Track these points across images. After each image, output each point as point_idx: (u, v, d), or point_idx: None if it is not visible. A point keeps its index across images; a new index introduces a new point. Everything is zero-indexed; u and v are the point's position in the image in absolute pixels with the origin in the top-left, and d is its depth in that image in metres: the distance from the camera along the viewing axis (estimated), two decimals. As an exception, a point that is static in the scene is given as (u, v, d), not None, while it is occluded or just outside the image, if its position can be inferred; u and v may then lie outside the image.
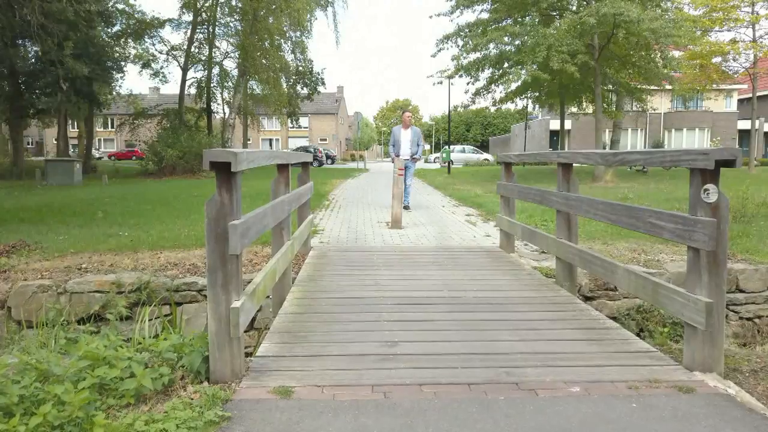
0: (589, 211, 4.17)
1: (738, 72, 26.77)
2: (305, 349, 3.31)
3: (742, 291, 6.63)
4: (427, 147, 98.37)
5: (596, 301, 6.14)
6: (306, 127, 70.61)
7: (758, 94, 27.56)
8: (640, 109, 38.31)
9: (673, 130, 49.43)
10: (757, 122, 25.89)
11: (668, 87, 22.15)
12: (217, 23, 31.30)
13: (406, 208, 10.90)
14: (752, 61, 24.81)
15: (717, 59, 25.66)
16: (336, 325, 3.79)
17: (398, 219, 8.78)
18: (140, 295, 5.70)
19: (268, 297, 4.82)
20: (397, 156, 10.64)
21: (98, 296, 5.69)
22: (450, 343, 3.43)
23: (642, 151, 3.50)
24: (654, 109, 34.47)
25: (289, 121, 44.26)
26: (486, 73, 22.23)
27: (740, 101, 51.36)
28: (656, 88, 25.02)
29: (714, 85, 25.91)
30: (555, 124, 48.56)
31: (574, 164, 4.89)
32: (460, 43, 20.99)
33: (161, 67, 31.63)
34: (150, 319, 5.64)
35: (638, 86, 23.61)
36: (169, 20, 30.84)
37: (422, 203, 13.10)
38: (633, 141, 48.04)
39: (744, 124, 49.80)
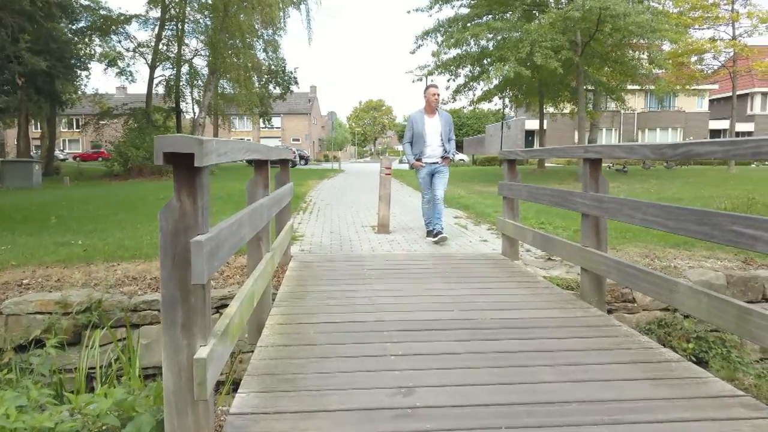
0: (633, 216, 3.46)
1: (715, 69, 26.64)
2: (294, 402, 2.52)
3: (770, 300, 6.03)
4: (401, 147, 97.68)
5: (613, 314, 5.48)
6: (279, 128, 69.42)
7: (730, 94, 27.54)
8: (615, 109, 38.26)
9: (647, 130, 49.67)
10: (727, 122, 25.87)
11: (651, 87, 21.82)
12: (186, 20, 30.16)
13: (437, 235, 7.15)
14: (732, 59, 24.66)
15: (694, 58, 25.52)
16: (330, 362, 3.00)
17: (386, 222, 8.01)
18: (90, 316, 4.83)
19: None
20: (418, 160, 7.19)
21: (40, 318, 4.82)
22: (481, 388, 2.67)
23: (717, 141, 2.79)
24: (630, 109, 34.29)
25: (261, 121, 43.25)
26: (465, 71, 21.65)
27: (711, 101, 51.92)
28: (636, 87, 24.75)
29: (695, 85, 25.75)
30: (530, 124, 48.38)
31: (602, 162, 4.20)
32: (440, 39, 20.35)
33: (127, 65, 30.31)
34: (102, 345, 4.80)
35: (618, 85, 23.29)
36: (136, 16, 29.59)
37: (406, 205, 12.35)
38: (608, 140, 48.11)
39: (715, 124, 50.38)
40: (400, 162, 52.22)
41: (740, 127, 45.78)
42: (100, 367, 4.52)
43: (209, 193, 2.16)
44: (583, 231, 4.34)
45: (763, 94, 49.85)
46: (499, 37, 19.73)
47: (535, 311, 4.02)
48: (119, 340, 4.83)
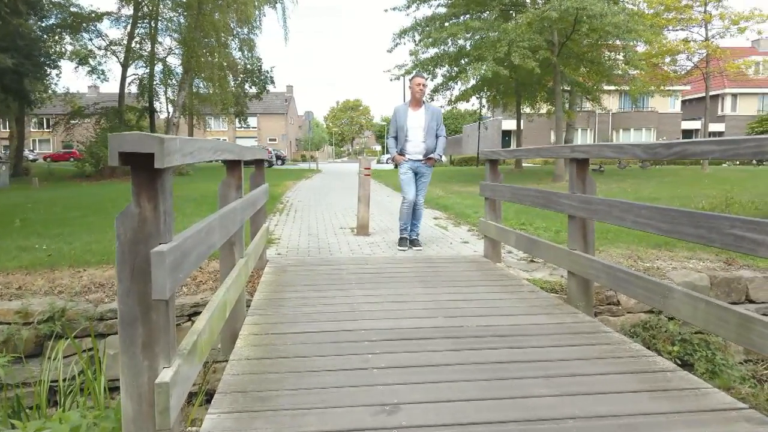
0: (624, 218, 3.32)
1: (688, 70, 26.96)
2: (270, 424, 2.30)
3: (752, 302, 5.98)
4: (378, 147, 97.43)
5: (598, 317, 5.37)
6: (255, 127, 68.76)
7: (701, 95, 27.92)
8: (590, 109, 38.61)
9: (621, 130, 50.20)
10: (699, 122, 26.24)
11: (626, 88, 21.98)
12: (159, 18, 29.59)
13: (414, 243, 6.87)
14: (705, 60, 24.97)
15: (668, 59, 25.79)
16: (309, 377, 2.80)
17: (365, 224, 7.82)
18: (53, 326, 4.56)
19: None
20: (402, 154, 6.65)
21: (-2, 329, 4.53)
22: (471, 404, 2.49)
23: (715, 141, 2.66)
24: (604, 109, 34.61)
25: (237, 121, 42.69)
26: (443, 70, 21.58)
27: (683, 102, 52.70)
28: (612, 88, 24.93)
29: (670, 85, 26.04)
30: (507, 125, 48.57)
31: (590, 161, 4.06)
32: (418, 38, 20.24)
33: (99, 64, 29.58)
34: (65, 356, 4.53)
35: (594, 86, 23.44)
36: (108, 14, 28.92)
37: (384, 205, 12.17)
38: (583, 140, 48.52)
39: (687, 125, 51.14)
40: (378, 162, 51.99)
41: (711, 127, 46.65)
42: (64, 380, 4.26)
43: (172, 197, 1.95)
44: (570, 233, 4.20)
45: (733, 95, 50.75)
46: (477, 37, 19.67)
47: (522, 317, 3.86)
48: (84, 351, 4.57)
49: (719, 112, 51.12)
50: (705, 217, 2.66)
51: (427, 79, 6.62)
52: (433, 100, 23.19)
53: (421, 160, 6.67)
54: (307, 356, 3.09)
